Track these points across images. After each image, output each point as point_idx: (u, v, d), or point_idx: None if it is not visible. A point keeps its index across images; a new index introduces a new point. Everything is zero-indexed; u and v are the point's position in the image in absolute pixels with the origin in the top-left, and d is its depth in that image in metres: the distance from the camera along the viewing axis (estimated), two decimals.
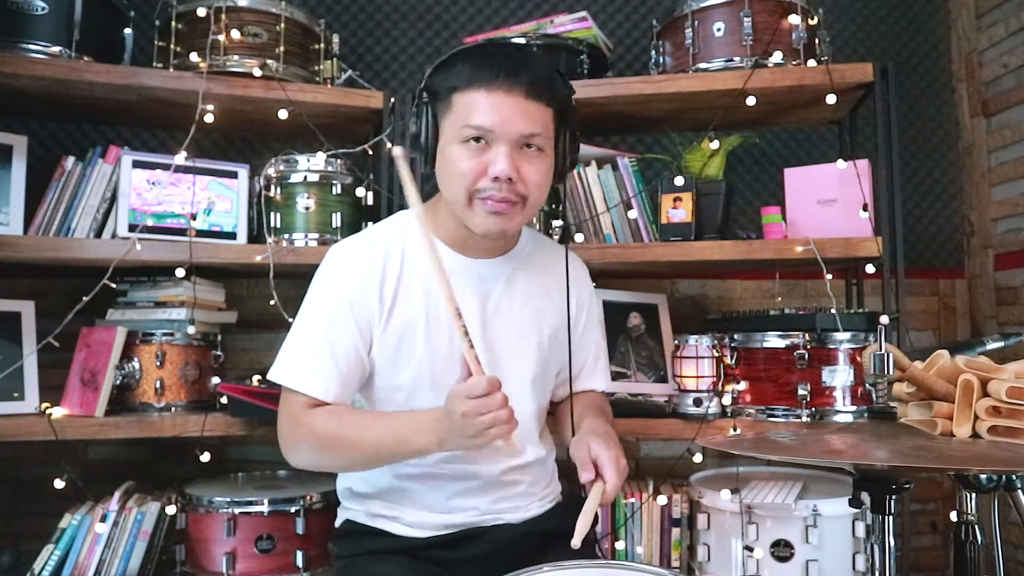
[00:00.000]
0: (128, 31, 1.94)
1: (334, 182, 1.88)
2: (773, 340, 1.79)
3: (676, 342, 1.90)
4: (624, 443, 2.36)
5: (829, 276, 1.77)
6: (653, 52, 2.04)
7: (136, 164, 1.82)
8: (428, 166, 1.22)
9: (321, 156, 1.88)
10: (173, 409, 1.83)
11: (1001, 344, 1.40)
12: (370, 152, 1.93)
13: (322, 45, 1.98)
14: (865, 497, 1.01)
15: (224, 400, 1.84)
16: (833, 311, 1.74)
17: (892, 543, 1.00)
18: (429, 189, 1.28)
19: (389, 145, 1.91)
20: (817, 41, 1.93)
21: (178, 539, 1.78)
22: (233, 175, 1.89)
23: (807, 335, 1.75)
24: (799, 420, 1.74)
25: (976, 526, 1.04)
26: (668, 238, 1.89)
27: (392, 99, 1.93)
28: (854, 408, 1.74)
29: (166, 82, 1.80)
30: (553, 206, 1.97)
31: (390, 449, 1.17)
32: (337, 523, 1.39)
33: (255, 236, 1.89)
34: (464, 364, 1.10)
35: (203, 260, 1.78)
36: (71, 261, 1.79)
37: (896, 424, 1.20)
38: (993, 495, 1.05)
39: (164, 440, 1.80)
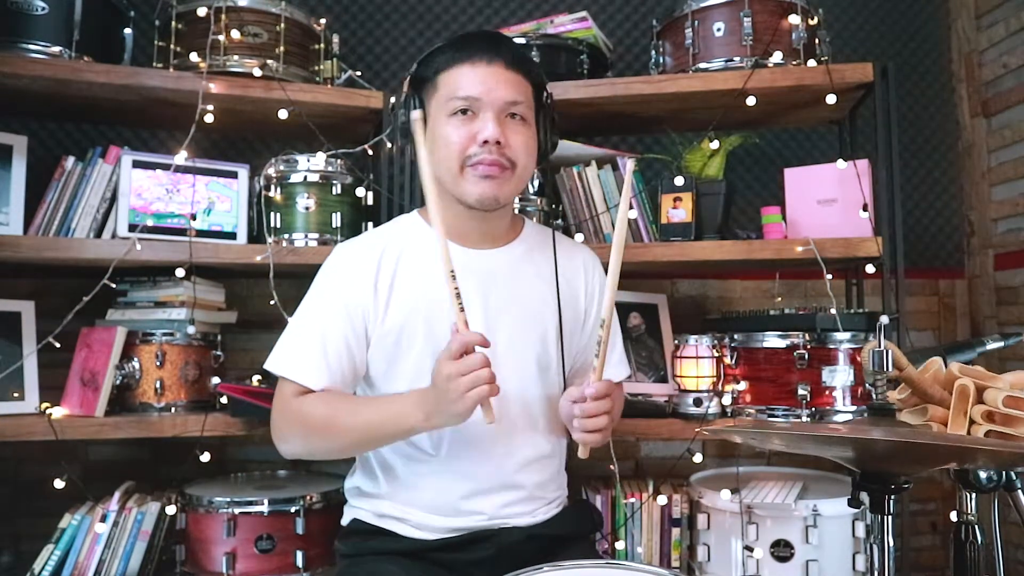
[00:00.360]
0: (128, 31, 1.94)
1: (334, 182, 1.88)
2: (773, 340, 1.79)
3: (676, 342, 1.90)
4: (624, 443, 2.37)
5: (829, 276, 1.77)
6: (653, 52, 2.04)
7: (136, 164, 1.82)
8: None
9: (321, 156, 1.88)
10: (173, 409, 1.83)
11: (1001, 344, 1.39)
12: (370, 152, 1.93)
13: (322, 45, 1.97)
14: (865, 497, 1.01)
15: (224, 400, 1.84)
16: (833, 311, 1.74)
17: (892, 543, 1.00)
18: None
19: (389, 145, 1.91)
20: (817, 41, 1.92)
21: (178, 539, 1.78)
22: (233, 175, 1.89)
23: (807, 335, 1.75)
24: (799, 420, 1.74)
25: (976, 526, 1.03)
26: (668, 238, 1.89)
27: (392, 99, 1.92)
28: (854, 408, 1.74)
29: (166, 82, 1.80)
30: (553, 206, 1.97)
31: (378, 431, 1.20)
32: (344, 521, 1.39)
33: (255, 236, 1.89)
34: (454, 328, 1.12)
35: (203, 260, 1.78)
36: (71, 261, 1.79)
37: (895, 420, 1.20)
38: (993, 495, 1.05)
39: (164, 440, 1.80)
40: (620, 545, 1.89)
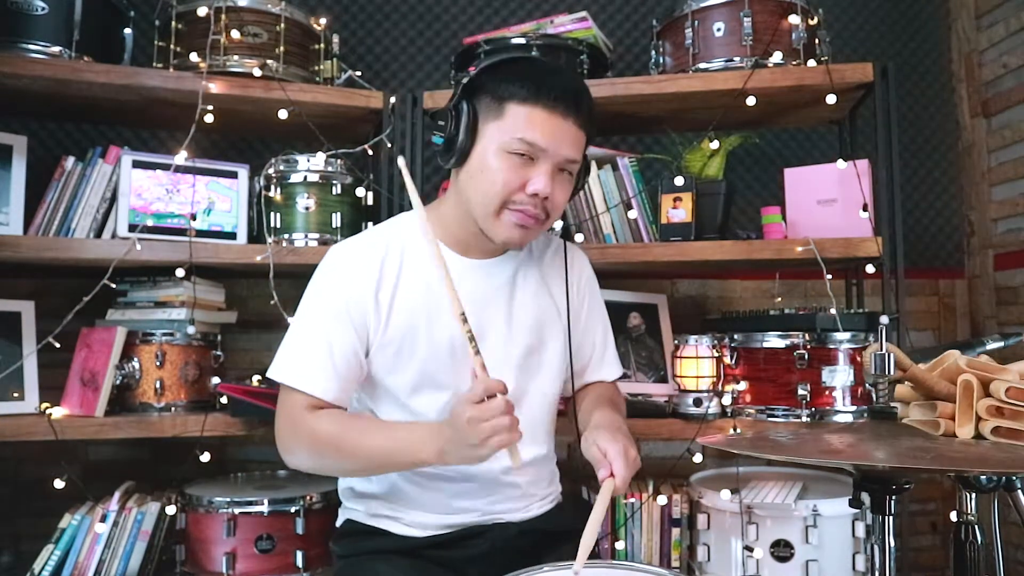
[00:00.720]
0: (128, 31, 1.94)
1: (334, 182, 1.87)
2: (773, 340, 1.79)
3: (676, 342, 1.90)
4: None
5: (829, 276, 1.77)
6: (653, 52, 2.04)
7: (136, 164, 1.82)
8: (456, 162, 1.22)
9: (321, 156, 1.88)
10: (173, 409, 1.83)
11: (1001, 344, 1.39)
12: (370, 152, 1.93)
13: (322, 45, 1.98)
14: (865, 497, 1.00)
15: (224, 400, 1.84)
16: (833, 311, 1.74)
17: (892, 543, 1.00)
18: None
19: (389, 145, 1.91)
20: (817, 41, 1.92)
21: (178, 539, 1.78)
22: (233, 175, 1.89)
23: (807, 335, 1.75)
24: (799, 420, 1.74)
25: (976, 526, 1.03)
26: (668, 238, 1.89)
27: (392, 99, 1.93)
28: (854, 408, 1.74)
29: (166, 82, 1.80)
30: None
31: (388, 459, 1.17)
32: (338, 523, 1.39)
33: (255, 236, 1.89)
34: (473, 372, 1.10)
35: (203, 260, 1.78)
36: (71, 261, 1.79)
37: (896, 424, 1.20)
38: (993, 495, 1.05)
39: (164, 440, 1.80)
40: (620, 545, 1.89)
